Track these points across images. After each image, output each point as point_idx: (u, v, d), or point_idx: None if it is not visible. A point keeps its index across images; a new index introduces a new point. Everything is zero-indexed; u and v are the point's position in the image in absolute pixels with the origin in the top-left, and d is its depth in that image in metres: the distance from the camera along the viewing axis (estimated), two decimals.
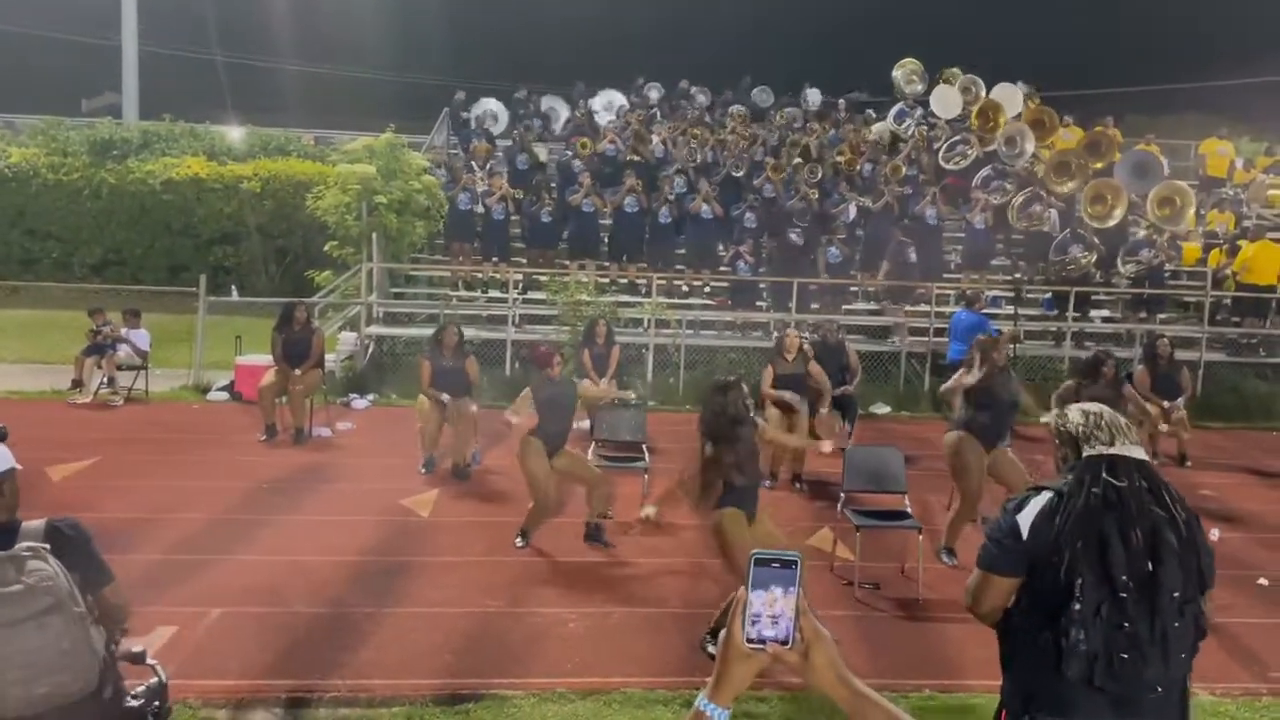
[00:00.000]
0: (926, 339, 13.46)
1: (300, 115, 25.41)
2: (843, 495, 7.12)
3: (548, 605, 6.12)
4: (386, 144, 14.95)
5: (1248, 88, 28.89)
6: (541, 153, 17.89)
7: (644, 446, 8.56)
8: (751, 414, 5.69)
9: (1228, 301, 14.65)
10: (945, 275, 14.96)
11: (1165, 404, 10.16)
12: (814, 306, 13.75)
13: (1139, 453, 2.81)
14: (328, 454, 9.77)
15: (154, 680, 3.10)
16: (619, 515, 7.36)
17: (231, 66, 30.53)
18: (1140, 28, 31.18)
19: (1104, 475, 2.74)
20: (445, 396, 8.95)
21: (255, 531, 7.27)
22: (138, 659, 3.14)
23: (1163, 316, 14.55)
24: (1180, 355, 11.37)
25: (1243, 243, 14.61)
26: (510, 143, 18.04)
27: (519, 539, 7.15)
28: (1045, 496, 2.84)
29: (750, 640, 1.58)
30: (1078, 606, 2.66)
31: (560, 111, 20.19)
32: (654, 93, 20.84)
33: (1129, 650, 2.64)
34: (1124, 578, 2.64)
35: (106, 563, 3.13)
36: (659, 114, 19.77)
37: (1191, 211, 14.78)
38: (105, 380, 11.71)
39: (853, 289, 14.74)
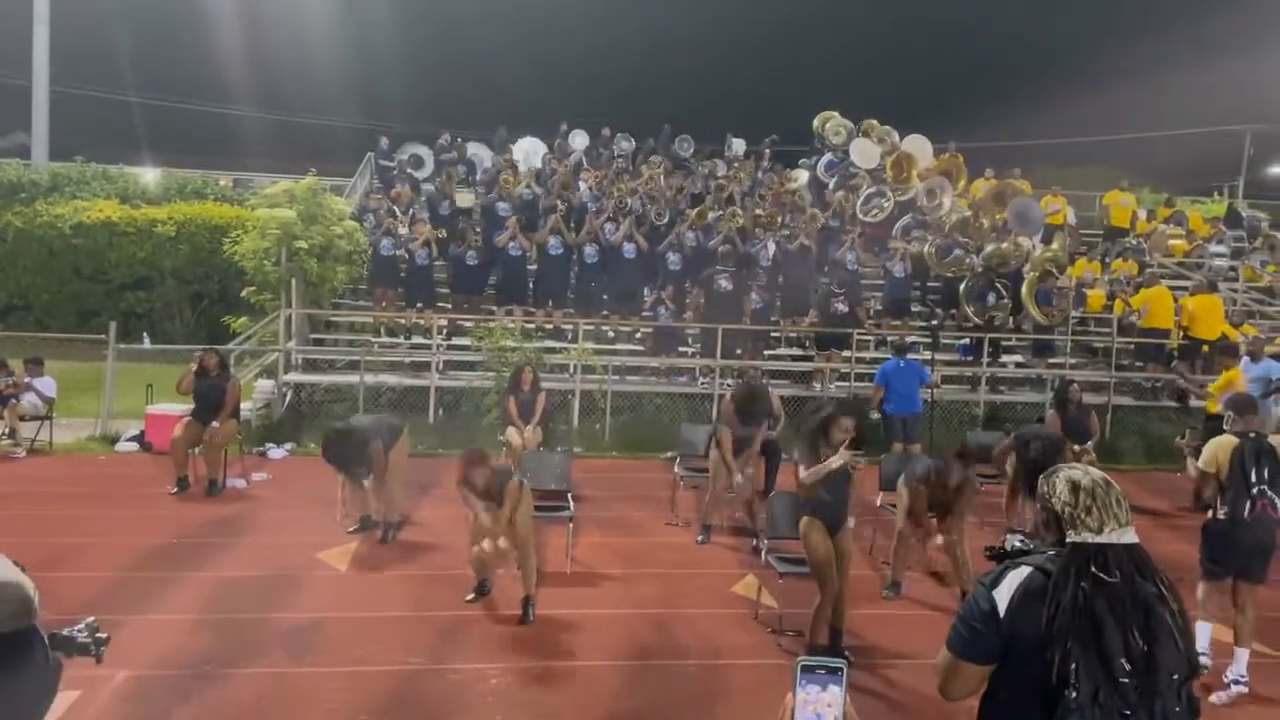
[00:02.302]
0: (848, 383, 13.67)
1: (218, 158, 25.02)
2: (766, 542, 7.15)
3: (468, 661, 6.01)
4: (308, 188, 14.75)
5: (1150, 141, 30.37)
6: (467, 198, 17.83)
7: (569, 495, 8.50)
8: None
9: (1131, 347, 15.20)
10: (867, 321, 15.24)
11: (1075, 447, 10.45)
12: (738, 352, 13.85)
13: (1129, 536, 2.64)
14: (242, 506, 9.49)
15: (90, 619, 3.21)
16: (542, 564, 7.26)
17: (147, 108, 30.00)
18: (1048, 85, 32.53)
19: (1092, 569, 2.55)
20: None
21: (164, 589, 7.01)
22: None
23: (1072, 361, 15.02)
24: (1089, 399, 11.77)
25: (1141, 289, 15.22)
26: (433, 188, 17.96)
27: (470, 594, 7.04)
28: (1024, 572, 2.64)
29: None
30: (1074, 694, 2.46)
31: (484, 158, 20.22)
32: (579, 139, 21.01)
33: None
34: (1122, 660, 2.47)
35: None
36: (584, 161, 19.93)
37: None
38: (6, 431, 11.26)
39: (774, 334, 14.92)
